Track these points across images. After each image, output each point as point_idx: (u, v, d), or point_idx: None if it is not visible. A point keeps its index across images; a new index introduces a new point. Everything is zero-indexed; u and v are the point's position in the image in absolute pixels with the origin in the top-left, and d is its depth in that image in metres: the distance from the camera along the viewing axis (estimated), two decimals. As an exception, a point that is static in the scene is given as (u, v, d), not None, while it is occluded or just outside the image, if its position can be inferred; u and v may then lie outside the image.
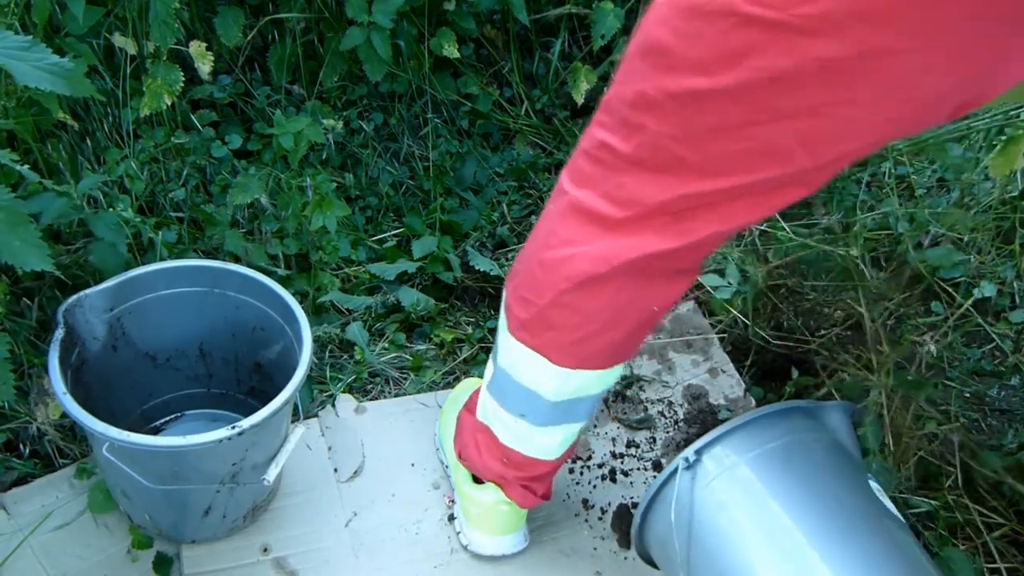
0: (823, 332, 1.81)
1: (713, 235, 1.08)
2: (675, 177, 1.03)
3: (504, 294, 1.27)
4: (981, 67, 0.92)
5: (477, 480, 1.47)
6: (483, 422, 1.38)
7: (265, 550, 1.46)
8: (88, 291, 1.37)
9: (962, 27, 0.86)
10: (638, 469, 1.64)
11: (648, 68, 1.00)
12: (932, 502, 1.52)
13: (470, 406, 1.45)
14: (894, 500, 1.42)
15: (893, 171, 2.10)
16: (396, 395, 1.71)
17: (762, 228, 1.99)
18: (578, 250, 1.13)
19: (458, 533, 1.51)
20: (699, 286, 1.86)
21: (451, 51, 2.00)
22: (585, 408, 1.30)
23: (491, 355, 1.34)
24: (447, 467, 1.58)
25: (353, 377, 1.70)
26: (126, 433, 1.22)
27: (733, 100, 0.95)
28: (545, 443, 1.34)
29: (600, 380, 1.26)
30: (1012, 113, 1.91)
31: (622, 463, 1.64)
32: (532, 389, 1.27)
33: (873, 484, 1.29)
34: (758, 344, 1.79)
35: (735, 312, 1.83)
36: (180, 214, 1.81)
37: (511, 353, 1.26)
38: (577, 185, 1.12)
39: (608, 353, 1.23)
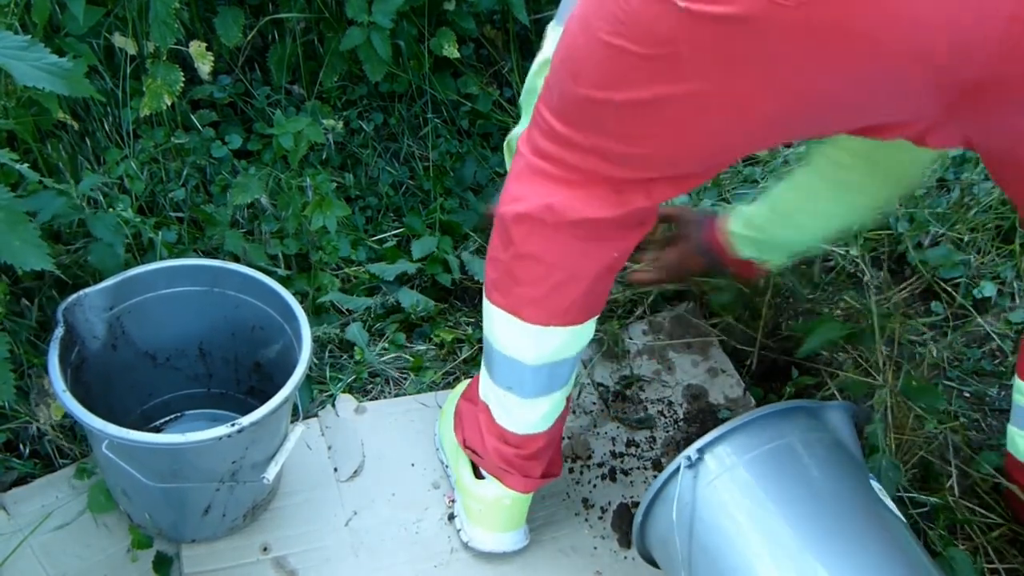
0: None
1: (643, 208, 1.20)
2: (600, 160, 1.16)
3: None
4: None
5: (478, 475, 1.47)
6: (483, 401, 1.41)
7: (265, 549, 1.46)
8: (88, 290, 1.37)
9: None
10: (638, 468, 1.64)
11: (565, 73, 1.13)
12: (933, 498, 1.52)
13: (468, 395, 1.49)
14: (895, 499, 1.42)
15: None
16: (396, 395, 1.71)
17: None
18: (532, 202, 1.20)
19: (458, 531, 1.51)
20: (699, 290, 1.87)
21: (451, 51, 2.00)
22: (565, 372, 1.35)
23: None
24: (447, 467, 1.58)
25: (353, 377, 1.70)
26: (125, 430, 1.22)
27: (617, 112, 1.09)
28: (533, 417, 1.37)
29: (575, 338, 1.30)
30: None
31: (622, 463, 1.64)
32: (513, 357, 1.31)
33: (874, 484, 1.29)
34: (758, 344, 1.79)
35: (735, 312, 1.83)
36: (180, 214, 1.81)
37: (489, 319, 1.32)
38: (531, 151, 1.21)
39: (578, 306, 1.27)
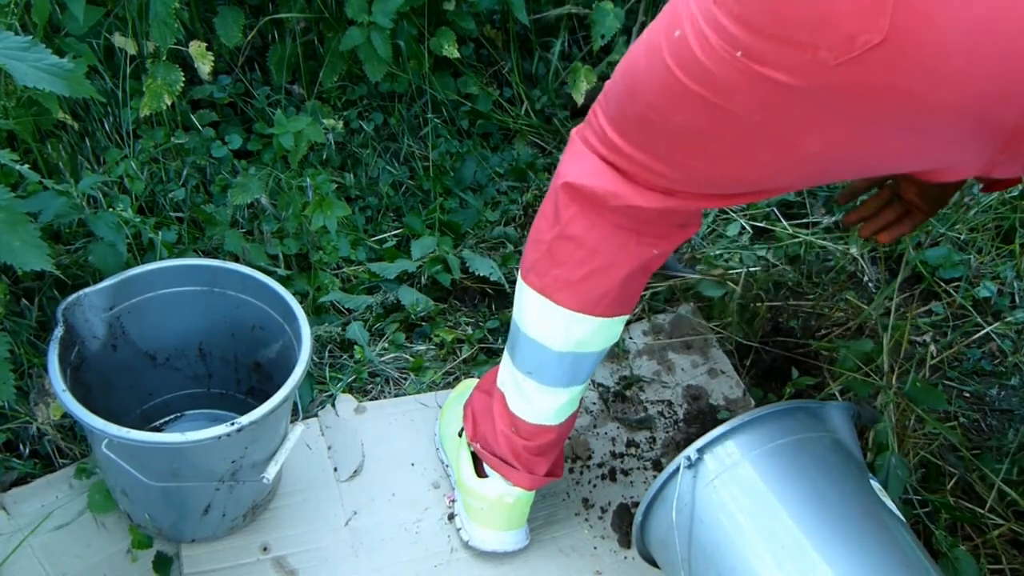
0: (823, 332, 1.81)
1: (690, 211, 1.22)
2: (647, 172, 1.16)
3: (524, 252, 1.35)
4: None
5: (480, 474, 1.47)
6: (500, 389, 1.42)
7: (265, 549, 1.46)
8: (88, 290, 1.37)
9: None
10: (638, 469, 1.64)
11: (624, 86, 1.15)
12: (934, 497, 1.52)
13: (483, 387, 1.49)
14: (903, 499, 1.42)
15: (893, 171, 2.10)
16: (396, 395, 1.71)
17: (762, 227, 1.99)
18: (585, 179, 1.21)
19: (459, 530, 1.51)
20: (700, 297, 1.87)
21: (451, 51, 2.00)
22: (587, 367, 1.36)
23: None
24: (447, 466, 1.58)
25: (353, 377, 1.70)
26: (125, 429, 1.22)
27: (667, 136, 1.10)
28: (549, 407, 1.37)
29: (603, 331, 1.30)
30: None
31: (622, 463, 1.64)
32: (539, 341, 1.32)
33: (875, 484, 1.29)
34: (757, 345, 1.79)
35: (733, 315, 1.83)
36: (180, 214, 1.81)
37: (521, 301, 1.33)
38: (584, 145, 1.23)
39: (610, 298, 1.27)
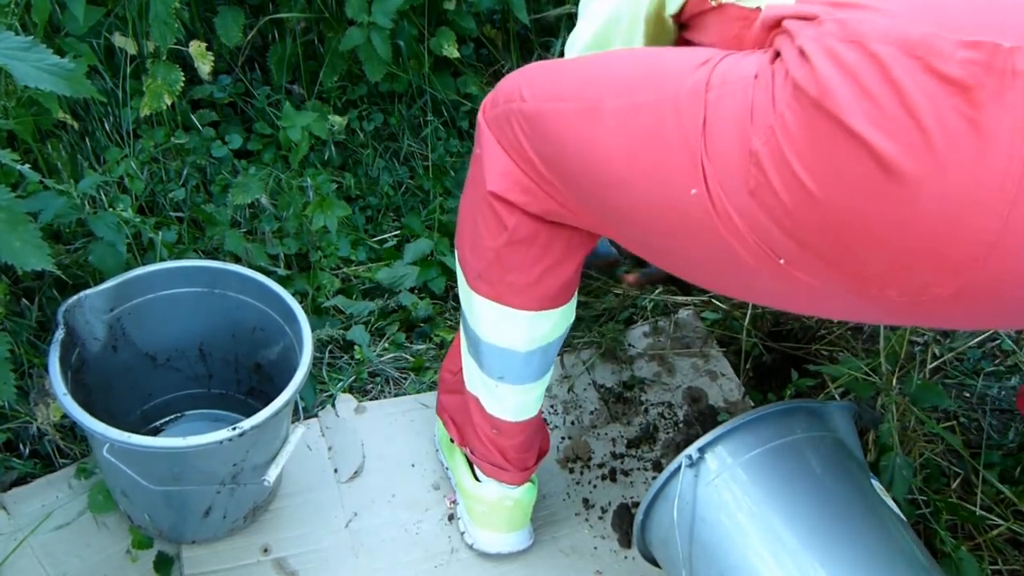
0: (823, 333, 1.81)
1: None
2: (601, 228, 1.16)
3: (456, 253, 1.29)
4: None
5: (478, 477, 1.47)
6: (472, 393, 1.38)
7: (265, 550, 1.46)
8: (88, 292, 1.37)
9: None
10: (638, 469, 1.64)
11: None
12: (936, 497, 1.52)
13: (450, 387, 1.46)
14: (907, 499, 1.42)
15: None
16: (396, 395, 1.70)
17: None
18: (513, 195, 1.15)
19: (462, 533, 1.50)
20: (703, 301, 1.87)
21: (451, 51, 2.00)
22: (555, 353, 1.32)
23: (460, 317, 1.35)
24: (447, 467, 1.58)
25: (353, 377, 1.70)
26: (127, 435, 1.22)
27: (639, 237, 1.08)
28: (528, 401, 1.36)
29: (565, 316, 1.27)
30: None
31: (622, 463, 1.64)
32: (503, 347, 1.28)
33: (875, 484, 1.29)
34: (757, 347, 1.79)
35: (734, 316, 1.83)
36: (180, 214, 1.81)
37: (473, 309, 1.27)
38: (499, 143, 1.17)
39: (568, 288, 1.24)
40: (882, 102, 0.79)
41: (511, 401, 1.35)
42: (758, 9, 0.96)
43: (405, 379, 1.73)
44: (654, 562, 1.40)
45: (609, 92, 1.01)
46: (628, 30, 1.17)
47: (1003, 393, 1.78)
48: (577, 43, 1.25)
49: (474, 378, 1.36)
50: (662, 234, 1.00)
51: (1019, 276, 0.82)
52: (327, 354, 1.72)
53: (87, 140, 1.81)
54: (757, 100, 0.86)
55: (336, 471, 1.57)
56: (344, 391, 1.68)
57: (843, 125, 0.80)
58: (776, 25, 0.91)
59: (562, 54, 2.18)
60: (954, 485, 1.55)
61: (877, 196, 0.81)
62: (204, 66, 1.81)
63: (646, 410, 1.72)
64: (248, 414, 1.27)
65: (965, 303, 0.86)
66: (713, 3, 1.05)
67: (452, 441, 1.51)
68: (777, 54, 0.88)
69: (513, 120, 1.12)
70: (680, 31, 1.18)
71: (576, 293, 1.29)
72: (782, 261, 0.89)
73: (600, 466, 1.64)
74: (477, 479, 1.47)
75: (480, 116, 1.19)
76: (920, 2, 0.82)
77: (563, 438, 1.66)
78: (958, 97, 0.77)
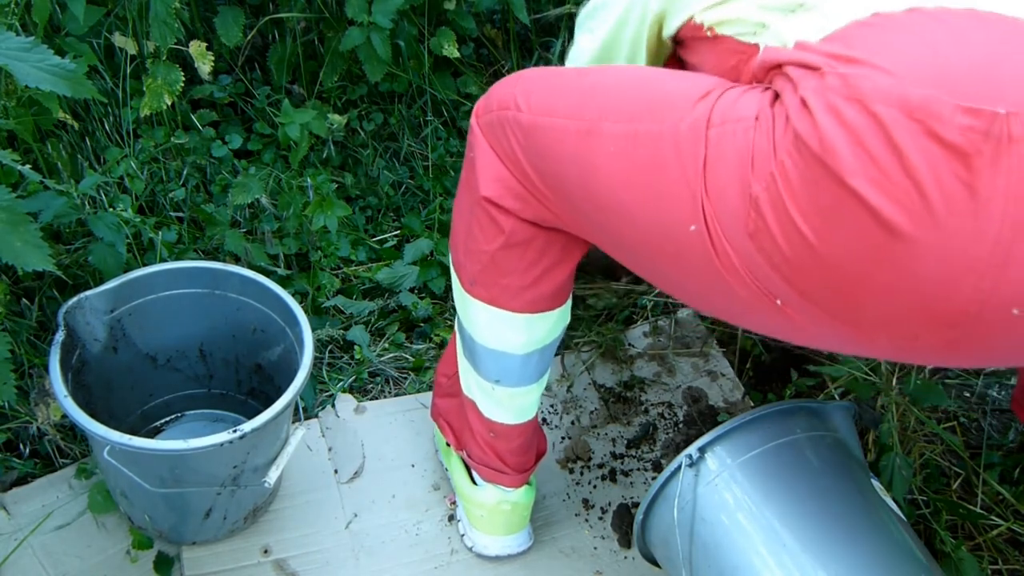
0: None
1: None
2: (592, 237, 1.14)
3: (451, 256, 1.28)
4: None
5: (472, 480, 1.47)
6: (468, 396, 1.38)
7: (266, 552, 1.46)
8: (88, 293, 1.37)
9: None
10: (638, 470, 1.64)
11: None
12: (935, 496, 1.52)
13: (447, 391, 1.45)
14: (907, 499, 1.42)
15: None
16: (396, 395, 1.70)
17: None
18: (506, 201, 1.15)
19: (462, 536, 1.51)
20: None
21: (451, 51, 2.00)
22: (551, 353, 1.31)
23: (455, 320, 1.34)
24: (447, 468, 1.58)
25: (353, 377, 1.70)
26: (128, 437, 1.22)
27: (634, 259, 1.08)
28: (525, 404, 1.35)
29: (562, 317, 1.27)
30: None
31: (622, 463, 1.64)
32: (499, 350, 1.27)
33: (875, 483, 1.29)
34: (757, 347, 1.79)
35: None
36: (180, 214, 1.81)
37: (470, 315, 1.27)
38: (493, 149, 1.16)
39: (565, 289, 1.24)
40: (884, 165, 0.80)
41: (508, 404, 1.35)
42: (756, 46, 0.97)
43: (405, 379, 1.73)
44: (654, 562, 1.41)
45: (609, 115, 1.00)
46: (631, 47, 1.18)
47: (1003, 393, 1.78)
48: (580, 59, 1.26)
49: (470, 382, 1.36)
50: (658, 261, 1.01)
51: (1010, 328, 0.84)
52: (327, 354, 1.72)
53: (87, 140, 1.81)
54: (758, 144, 0.87)
55: (336, 472, 1.57)
56: (344, 391, 1.68)
57: (844, 184, 0.82)
58: (776, 67, 0.91)
59: (562, 57, 2.20)
60: (954, 485, 1.55)
61: (875, 253, 0.83)
62: (204, 66, 1.81)
63: (646, 410, 1.72)
64: (248, 414, 1.28)
65: (957, 351, 0.88)
66: (709, 34, 1.05)
67: (448, 445, 1.51)
68: (776, 95, 0.89)
69: (508, 128, 1.11)
70: (676, 46, 1.18)
71: (571, 293, 1.29)
72: (779, 302, 0.90)
73: (600, 466, 1.64)
74: (475, 483, 1.47)
75: (473, 119, 1.18)
76: (920, 61, 0.82)
77: (563, 438, 1.66)
78: (957, 163, 0.79)
